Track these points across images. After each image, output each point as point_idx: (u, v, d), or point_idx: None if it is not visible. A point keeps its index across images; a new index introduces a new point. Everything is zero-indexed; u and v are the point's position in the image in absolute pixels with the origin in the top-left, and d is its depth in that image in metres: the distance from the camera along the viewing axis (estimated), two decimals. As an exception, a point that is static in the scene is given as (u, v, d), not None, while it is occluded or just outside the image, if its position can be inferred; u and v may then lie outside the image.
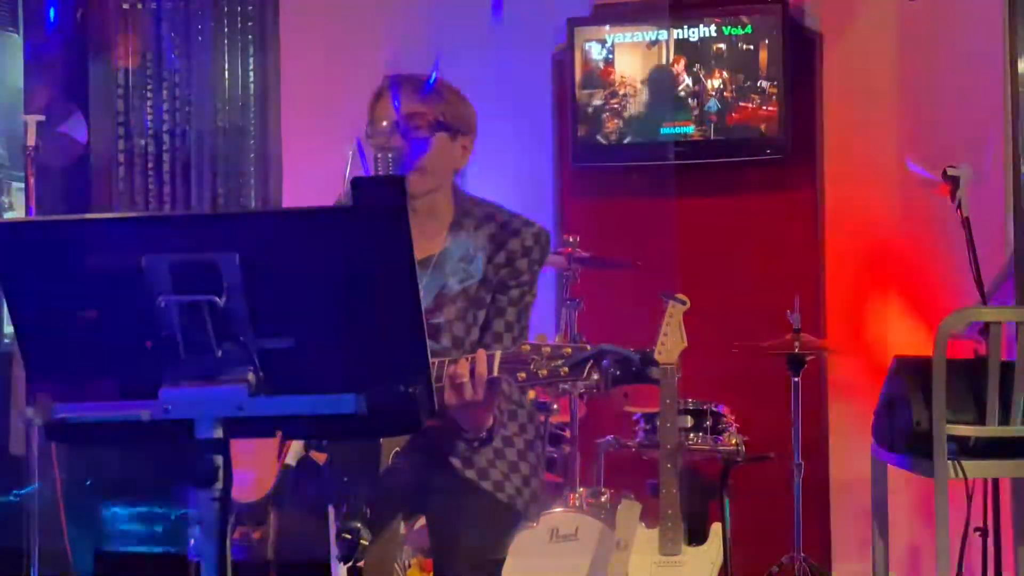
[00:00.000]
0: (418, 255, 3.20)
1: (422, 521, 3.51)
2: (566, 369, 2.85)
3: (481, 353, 2.94)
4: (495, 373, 2.91)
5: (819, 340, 5.48)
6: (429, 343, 2.22)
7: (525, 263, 3.28)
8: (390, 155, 3.13)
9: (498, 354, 2.92)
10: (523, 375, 2.89)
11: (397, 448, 3.12)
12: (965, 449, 4.33)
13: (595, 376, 2.86)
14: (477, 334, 3.26)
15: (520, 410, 3.35)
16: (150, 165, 6.55)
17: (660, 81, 6.00)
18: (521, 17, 6.11)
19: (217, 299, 2.05)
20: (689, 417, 5.00)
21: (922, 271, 5.65)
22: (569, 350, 2.87)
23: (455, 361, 2.94)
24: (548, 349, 2.88)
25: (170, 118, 6.55)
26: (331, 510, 2.96)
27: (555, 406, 5.27)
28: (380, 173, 3.10)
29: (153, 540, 5.89)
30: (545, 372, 2.87)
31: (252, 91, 6.58)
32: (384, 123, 3.27)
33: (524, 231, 3.29)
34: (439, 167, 3.29)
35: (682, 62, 5.95)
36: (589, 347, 2.87)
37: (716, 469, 5.08)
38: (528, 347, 2.89)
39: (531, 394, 3.04)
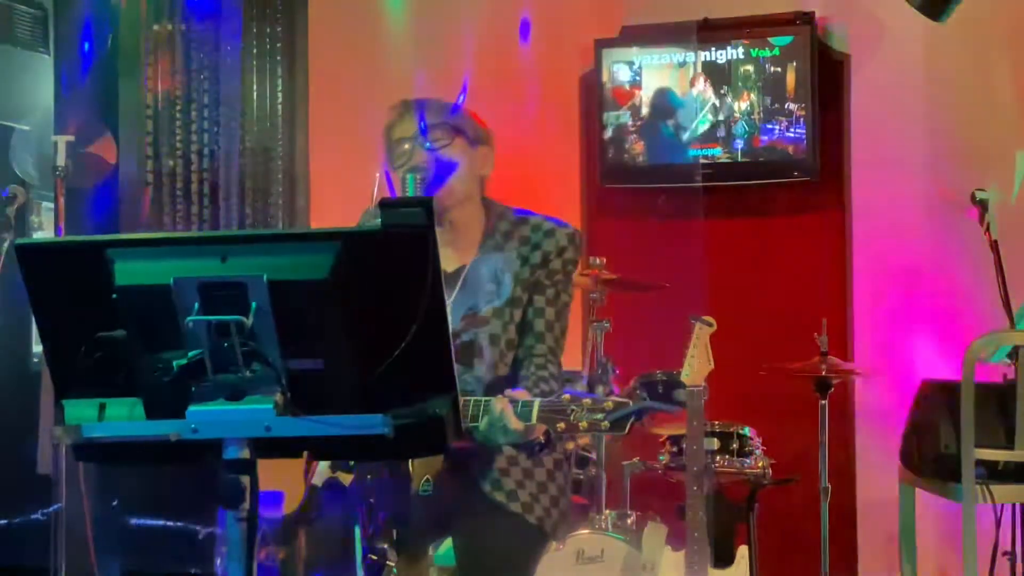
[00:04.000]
0: (450, 267, 3.25)
1: (449, 542, 3.51)
2: (607, 424, 2.86)
3: (521, 394, 2.96)
4: (533, 421, 2.93)
5: (846, 363, 5.46)
6: (463, 353, 2.22)
7: (560, 263, 3.33)
8: (418, 176, 3.15)
9: (537, 402, 2.94)
10: (562, 425, 2.90)
11: (428, 476, 3.12)
12: (993, 473, 4.31)
13: (636, 425, 2.87)
14: (513, 332, 3.28)
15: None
16: (179, 186, 6.57)
17: (688, 103, 6.00)
18: (549, 39, 6.12)
19: (245, 320, 2.06)
20: (716, 439, 4.98)
21: (950, 294, 5.62)
22: (611, 404, 2.88)
23: (494, 402, 2.96)
24: (589, 401, 2.89)
25: (199, 139, 6.57)
26: (358, 531, 2.96)
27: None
28: (409, 195, 3.12)
29: (180, 560, 5.90)
30: (585, 425, 2.88)
31: (280, 112, 6.61)
32: (404, 145, 3.30)
33: (558, 232, 3.34)
34: (465, 178, 3.33)
35: (710, 84, 5.95)
36: (630, 402, 2.87)
37: (743, 492, 5.06)
38: (568, 397, 2.91)
39: (569, 445, 3.05)
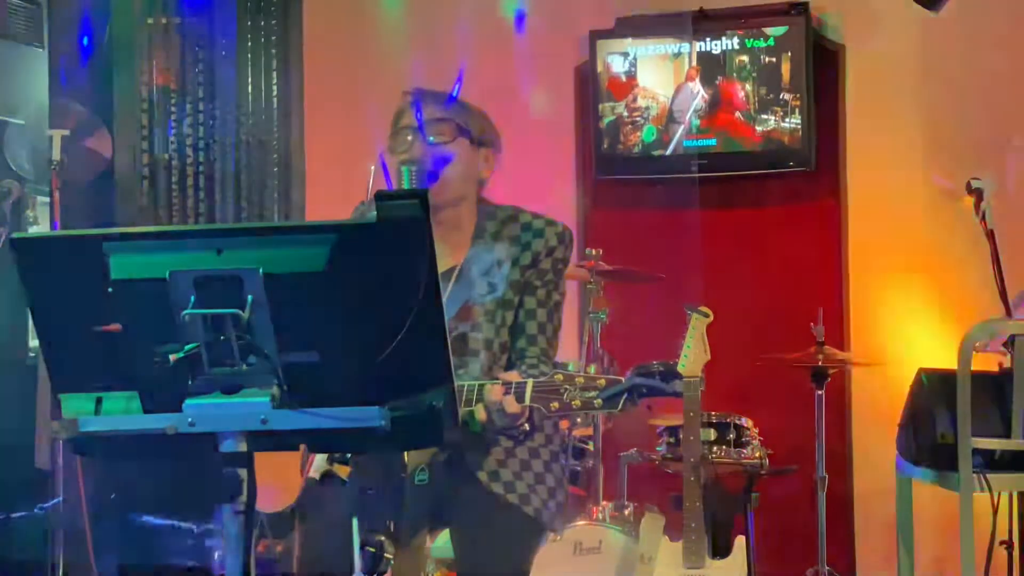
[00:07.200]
0: (442, 267, 3.23)
1: (446, 534, 3.50)
2: (600, 401, 2.86)
3: (513, 376, 2.95)
4: (527, 402, 2.92)
5: (843, 353, 5.46)
6: (456, 353, 2.21)
7: (549, 263, 3.31)
8: (413, 168, 3.13)
9: (530, 383, 2.93)
10: (556, 405, 2.90)
11: (422, 463, 3.12)
12: (990, 462, 4.31)
13: (629, 407, 2.86)
14: (506, 335, 3.28)
15: (545, 422, 3.35)
16: (174, 179, 6.57)
17: (683, 94, 6.00)
18: (544, 30, 6.12)
19: (241, 313, 2.06)
20: (712, 430, 4.99)
21: (946, 283, 5.62)
22: (603, 381, 2.87)
23: (487, 387, 2.95)
24: (581, 379, 2.88)
25: (194, 132, 6.57)
26: (355, 523, 2.96)
27: (579, 419, 5.26)
28: (404, 187, 3.11)
29: (178, 553, 5.90)
30: (579, 403, 2.88)
31: (275, 105, 6.60)
32: (408, 135, 3.29)
33: (547, 231, 3.32)
34: (462, 176, 3.31)
35: (704, 75, 5.95)
36: (623, 379, 2.87)
37: (740, 482, 5.06)
38: (561, 376, 2.90)
39: (564, 424, 3.05)
